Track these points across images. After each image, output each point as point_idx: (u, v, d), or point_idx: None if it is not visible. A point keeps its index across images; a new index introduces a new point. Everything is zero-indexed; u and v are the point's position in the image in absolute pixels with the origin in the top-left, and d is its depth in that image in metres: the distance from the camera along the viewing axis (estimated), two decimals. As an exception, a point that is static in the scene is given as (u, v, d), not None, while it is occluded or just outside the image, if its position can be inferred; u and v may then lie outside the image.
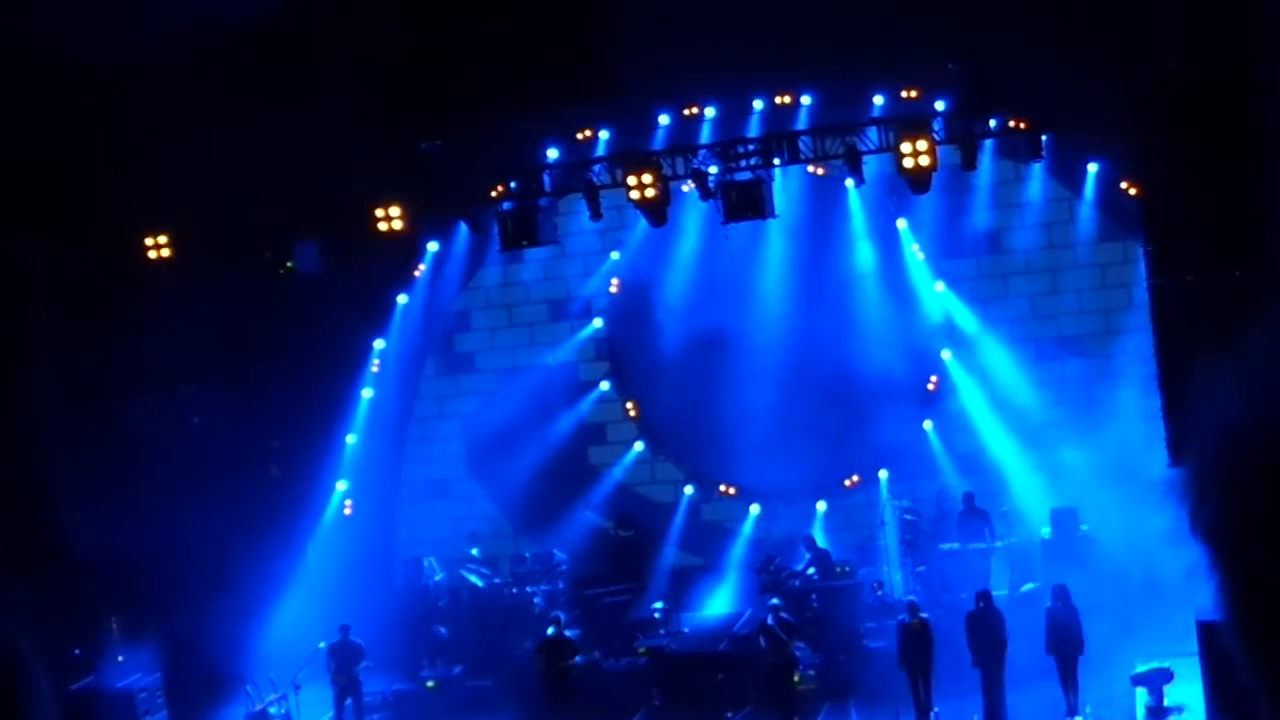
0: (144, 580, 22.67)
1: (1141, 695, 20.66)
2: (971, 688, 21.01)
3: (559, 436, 27.43)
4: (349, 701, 22.95)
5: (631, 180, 22.37)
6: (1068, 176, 24.95)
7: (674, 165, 23.06)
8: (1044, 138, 22.18)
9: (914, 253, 25.94)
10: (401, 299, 27.29)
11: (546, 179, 24.09)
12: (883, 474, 25.77)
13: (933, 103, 23.06)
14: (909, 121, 22.09)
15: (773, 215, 22.81)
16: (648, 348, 26.78)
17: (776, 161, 22.87)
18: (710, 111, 25.11)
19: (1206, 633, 17.39)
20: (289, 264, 23.82)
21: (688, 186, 23.01)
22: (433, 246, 26.94)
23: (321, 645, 22.78)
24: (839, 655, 23.38)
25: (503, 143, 24.66)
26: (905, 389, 25.53)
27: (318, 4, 22.64)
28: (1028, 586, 23.63)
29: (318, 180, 22.80)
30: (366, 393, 27.27)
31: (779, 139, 23.18)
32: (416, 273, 27.19)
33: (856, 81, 23.74)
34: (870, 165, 22.84)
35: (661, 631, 24.60)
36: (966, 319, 25.81)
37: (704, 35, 22.29)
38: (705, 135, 24.58)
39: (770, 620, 22.10)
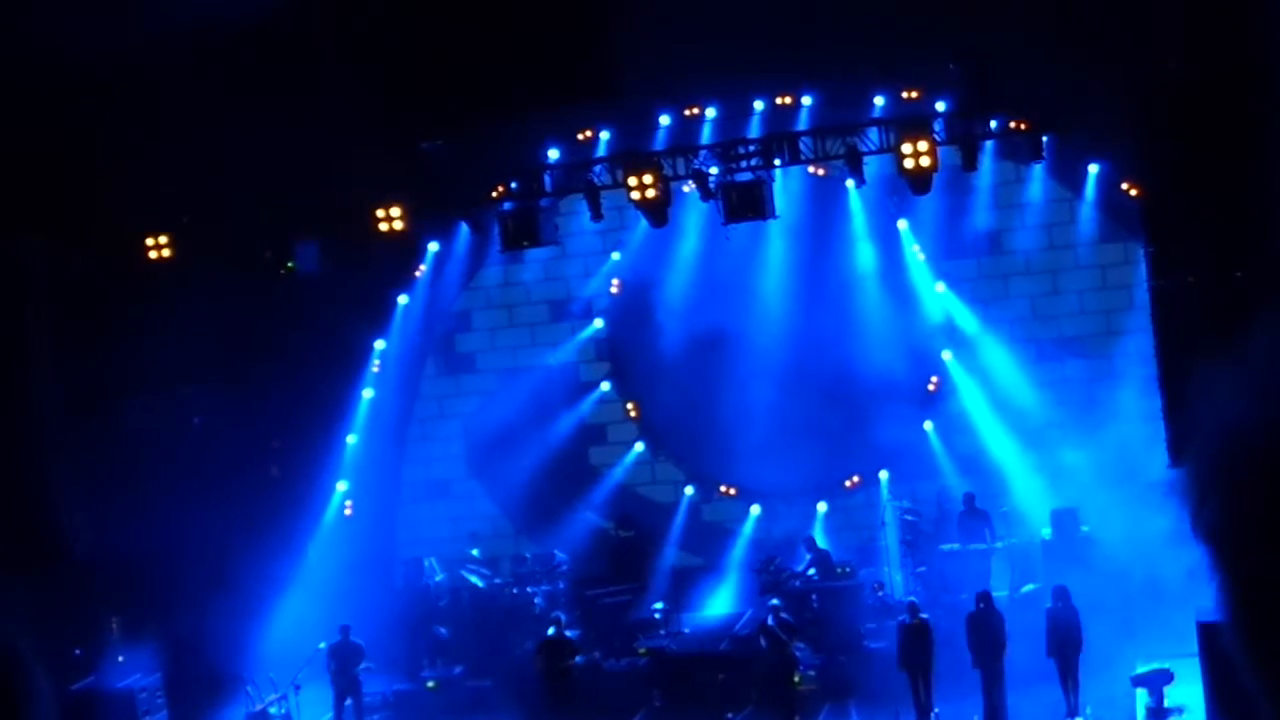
0: (144, 580, 22.67)
1: (1142, 696, 20.66)
2: (972, 688, 21.01)
3: (559, 437, 27.42)
4: (349, 702, 22.94)
5: (632, 181, 22.37)
6: (1068, 177, 24.95)
7: (675, 166, 23.06)
8: (1045, 139, 22.17)
9: (915, 253, 25.93)
10: (402, 299, 27.29)
11: (547, 179, 24.10)
12: (883, 475, 25.76)
13: (933, 103, 23.05)
14: (910, 122, 22.09)
15: (773, 216, 22.81)
16: (648, 348, 26.77)
17: (777, 162, 22.88)
18: (711, 112, 25.10)
19: (1207, 634, 17.39)
20: (289, 264, 23.80)
21: (688, 187, 23.01)
22: (433, 247, 26.93)
23: (322, 645, 22.77)
24: (839, 656, 23.37)
25: (504, 143, 24.66)
26: (906, 390, 25.53)
27: (318, 4, 22.63)
28: (1028, 587, 23.63)
29: (318, 180, 22.80)
30: (367, 393, 27.26)
31: (780, 139, 23.19)
32: (417, 273, 27.19)
33: (857, 82, 23.73)
34: (871, 166, 22.84)
35: (662, 632, 24.60)
36: (967, 320, 25.80)
37: (704, 35, 22.27)
38: (706, 136, 24.57)
39: (771, 621, 22.10)
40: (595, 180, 23.44)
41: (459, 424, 28.21)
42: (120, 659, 23.02)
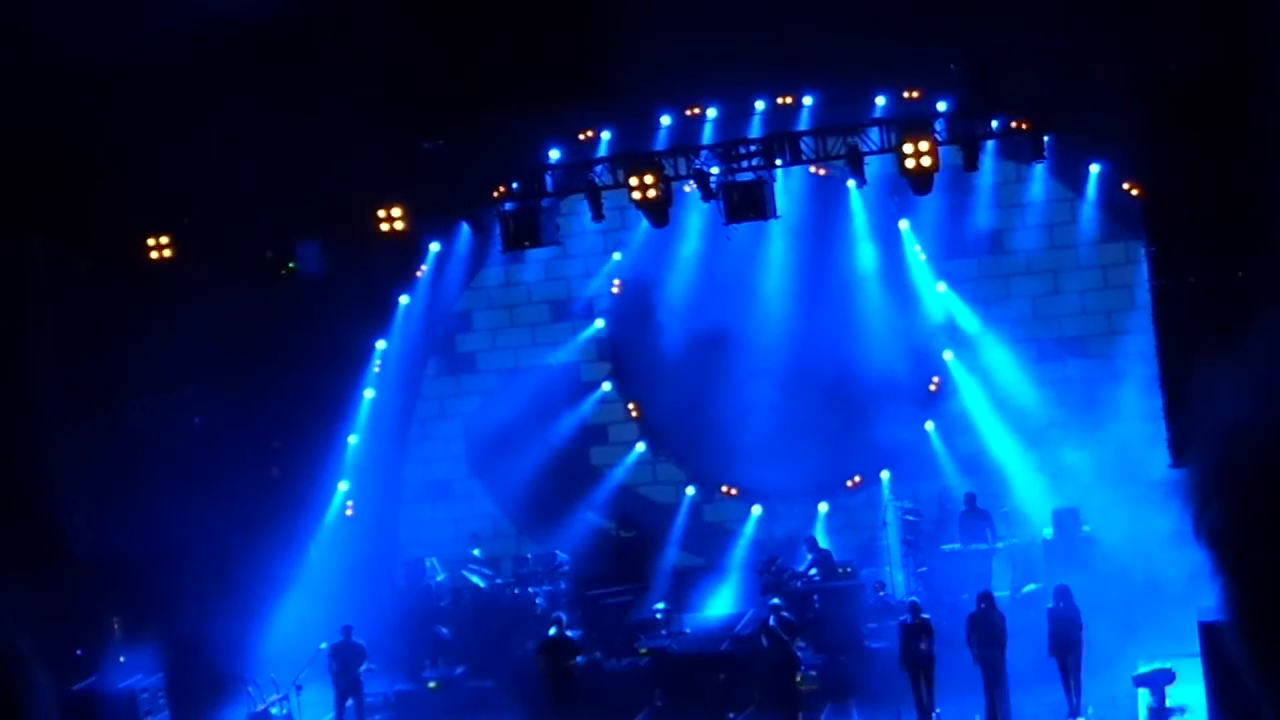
0: (145, 580, 22.67)
1: (1143, 696, 20.65)
2: (973, 688, 21.00)
3: (561, 437, 27.43)
4: (350, 702, 22.93)
5: (633, 181, 22.38)
6: (1070, 177, 24.95)
7: (676, 166, 23.07)
8: (1046, 138, 22.18)
9: (916, 253, 25.94)
10: (403, 299, 27.29)
11: (548, 179, 24.11)
12: (884, 475, 25.78)
13: (934, 103, 23.06)
14: (911, 122, 22.10)
15: (774, 216, 22.81)
16: (649, 348, 26.78)
17: (778, 162, 22.88)
18: (712, 112, 25.09)
19: (1209, 634, 17.40)
20: (290, 264, 23.80)
21: (689, 187, 23.01)
22: (434, 247, 26.93)
23: (323, 646, 22.76)
24: (841, 656, 23.37)
25: (504, 143, 24.65)
26: (907, 389, 25.55)
27: (318, 4, 22.62)
28: (1029, 587, 23.63)
29: (319, 180, 22.79)
30: (368, 393, 27.26)
31: (781, 139, 23.19)
32: (418, 273, 27.19)
33: (858, 82, 23.72)
34: (872, 166, 22.85)
35: (663, 632, 24.61)
36: (968, 319, 25.80)
37: (705, 35, 22.26)
38: (707, 136, 24.57)
39: (772, 621, 22.09)
40: (596, 180, 23.45)
41: (460, 424, 28.21)
42: (121, 659, 23.01)
